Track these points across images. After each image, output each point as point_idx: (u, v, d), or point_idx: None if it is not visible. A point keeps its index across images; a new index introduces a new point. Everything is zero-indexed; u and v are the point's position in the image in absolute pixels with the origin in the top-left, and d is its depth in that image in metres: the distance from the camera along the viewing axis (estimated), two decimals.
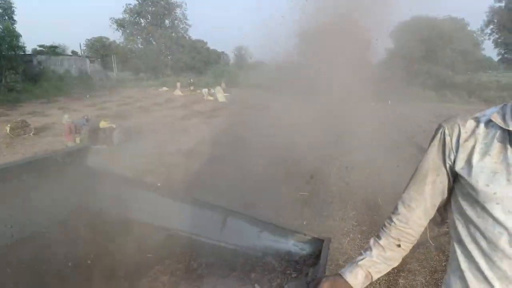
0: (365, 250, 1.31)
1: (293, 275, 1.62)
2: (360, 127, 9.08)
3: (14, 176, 1.77)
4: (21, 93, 19.04)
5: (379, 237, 1.28)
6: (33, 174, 1.86)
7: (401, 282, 3.29)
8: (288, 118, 12.95)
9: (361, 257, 1.29)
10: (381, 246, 1.25)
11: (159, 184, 2.08)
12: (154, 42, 41.82)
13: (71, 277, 1.72)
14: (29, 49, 25.92)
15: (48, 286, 1.71)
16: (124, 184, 2.07)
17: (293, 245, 1.77)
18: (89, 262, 1.81)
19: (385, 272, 1.26)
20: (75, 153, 2.04)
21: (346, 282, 1.24)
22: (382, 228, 1.30)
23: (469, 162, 1.06)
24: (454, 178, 1.14)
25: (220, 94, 19.50)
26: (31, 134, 9.87)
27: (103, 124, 8.96)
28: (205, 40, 46.47)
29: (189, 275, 1.72)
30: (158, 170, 7.41)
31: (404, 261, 3.50)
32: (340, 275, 1.28)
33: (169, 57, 42.82)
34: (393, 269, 3.28)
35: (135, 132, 11.07)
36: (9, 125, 9.87)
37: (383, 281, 3.30)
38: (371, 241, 1.30)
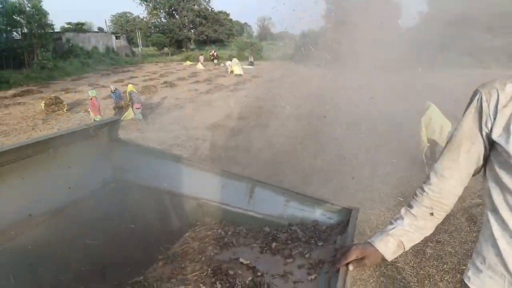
0: (396, 219, 1.30)
1: (318, 244, 1.63)
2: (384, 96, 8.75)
3: (52, 147, 1.86)
4: (52, 70, 19.69)
5: (410, 206, 1.25)
6: (68, 146, 1.95)
7: (429, 252, 3.27)
8: (314, 88, 12.68)
9: (392, 226, 1.27)
10: (413, 215, 1.23)
11: (186, 156, 2.12)
12: (176, 16, 41.44)
13: (107, 244, 1.82)
14: (57, 27, 26.47)
15: (85, 252, 1.83)
16: (155, 155, 2.13)
17: (320, 214, 1.77)
18: (123, 229, 1.91)
19: (418, 241, 1.25)
20: (107, 126, 2.10)
21: (377, 250, 1.24)
22: (413, 198, 1.27)
23: (507, 129, 1.00)
24: (491, 146, 1.08)
25: (237, 67, 19.11)
26: (64, 110, 10.28)
27: (130, 87, 9.27)
28: (227, 12, 45.55)
29: (216, 242, 1.77)
30: (185, 144, 7.58)
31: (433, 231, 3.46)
32: (370, 244, 1.27)
33: (192, 31, 42.44)
34: None
35: (161, 107, 11.26)
36: (43, 102, 10.31)
37: (410, 250, 3.28)
38: (402, 210, 1.28)
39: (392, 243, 1.24)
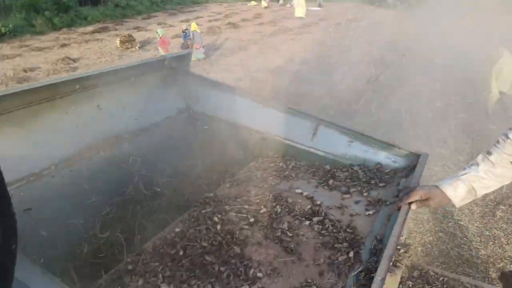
0: (470, 165, 1.25)
1: (380, 185, 1.64)
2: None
3: (133, 76, 2.03)
4: (125, 8, 20.44)
5: (489, 153, 1.19)
6: (147, 75, 2.11)
7: (499, 215, 3.09)
8: (386, 33, 11.63)
9: (464, 172, 1.23)
10: (491, 162, 1.17)
11: (253, 94, 2.18)
12: None
13: (182, 163, 2.02)
14: None
15: (162, 167, 2.06)
16: (223, 89, 2.22)
17: (385, 157, 1.76)
18: (195, 153, 2.09)
19: (493, 189, 1.20)
20: (180, 58, 2.21)
21: (443, 193, 1.22)
22: (494, 145, 1.20)
23: None
24: None
25: (299, 9, 17.68)
26: (136, 47, 10.83)
27: (194, 26, 9.44)
28: None
29: (277, 173, 1.87)
30: (247, 86, 7.65)
31: (507, 195, 3.21)
32: (437, 186, 1.25)
33: None
34: (491, 201, 3.06)
35: (225, 48, 11.30)
36: (119, 39, 10.92)
37: (477, 210, 3.14)
38: (479, 157, 1.22)
39: (462, 188, 1.21)
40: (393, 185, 1.61)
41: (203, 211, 1.54)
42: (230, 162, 2.04)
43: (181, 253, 1.29)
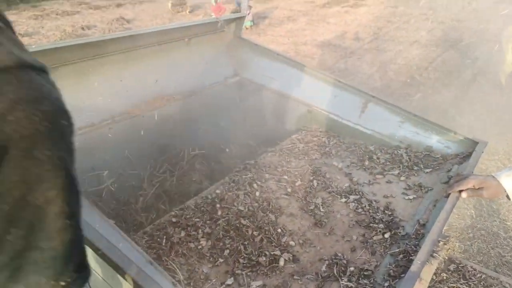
0: None
1: (425, 171, 1.57)
2: None
3: (187, 36, 2.05)
4: None
5: None
6: (200, 36, 2.12)
7: None
8: (452, 11, 10.69)
9: None
10: None
11: (304, 65, 2.11)
12: None
13: (228, 129, 2.06)
14: None
15: (206, 135, 2.11)
16: (274, 58, 2.18)
17: (437, 141, 1.66)
18: (241, 120, 2.11)
19: None
20: (233, 22, 2.19)
21: (500, 184, 1.15)
22: None
23: None
24: None
25: None
26: (187, 11, 10.89)
27: None
28: None
29: (319, 148, 1.84)
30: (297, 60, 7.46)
31: None
32: (494, 177, 1.18)
33: None
34: None
35: (274, 18, 11.02)
36: (170, 2, 11.02)
37: None
38: None
39: None
40: (440, 171, 1.53)
41: (243, 176, 1.57)
42: (274, 132, 2.04)
43: (219, 213, 1.35)
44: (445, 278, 2.06)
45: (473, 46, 7.37)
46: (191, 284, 1.08)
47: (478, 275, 2.10)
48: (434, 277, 2.01)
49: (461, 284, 1.98)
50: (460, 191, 1.22)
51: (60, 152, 0.36)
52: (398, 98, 5.36)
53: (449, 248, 2.55)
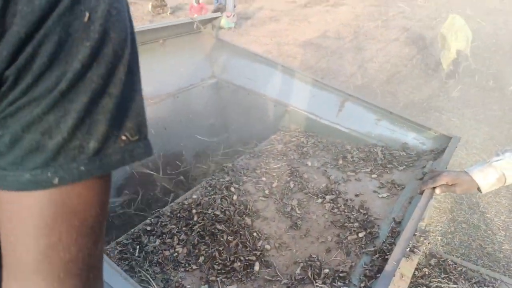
0: (504, 151, 1.17)
1: (399, 168, 1.58)
2: None
3: (161, 38, 2.01)
4: None
5: None
6: (176, 38, 2.08)
7: None
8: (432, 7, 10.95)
9: (498, 158, 1.16)
10: None
11: (282, 65, 2.11)
12: None
13: (205, 131, 2.03)
14: None
15: (182, 139, 2.07)
16: (251, 59, 2.17)
17: (413, 138, 1.68)
18: (218, 121, 2.08)
19: None
20: (209, 22, 2.16)
21: (473, 180, 1.17)
22: None
23: None
24: None
25: None
26: (168, 13, 10.76)
27: None
28: None
29: (297, 148, 1.83)
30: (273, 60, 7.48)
31: None
32: (466, 172, 1.20)
33: None
34: None
35: (256, 18, 11.03)
36: (151, 3, 10.87)
37: (506, 204, 2.99)
38: None
39: (493, 175, 1.15)
40: (415, 168, 1.54)
41: (221, 180, 1.55)
42: (253, 133, 2.03)
43: (195, 218, 1.32)
44: (427, 273, 2.08)
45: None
46: None
47: (459, 268, 2.13)
48: (416, 273, 2.03)
49: (442, 278, 2.00)
50: (434, 188, 1.23)
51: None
52: (379, 96, 5.42)
53: (429, 243, 2.59)
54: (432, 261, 2.19)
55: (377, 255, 1.10)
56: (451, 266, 2.14)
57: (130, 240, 1.23)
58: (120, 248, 1.18)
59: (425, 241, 1.43)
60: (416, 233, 1.24)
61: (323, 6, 13.00)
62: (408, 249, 1.23)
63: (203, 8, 8.71)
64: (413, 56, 7.20)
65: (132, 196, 1.66)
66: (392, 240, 1.15)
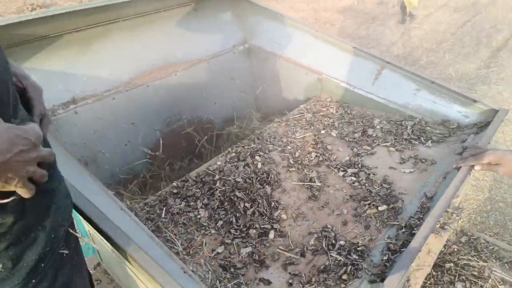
0: None
1: (428, 143, 1.47)
2: None
3: (189, 2, 1.96)
4: None
5: None
6: (203, 1, 2.03)
7: None
8: None
9: None
10: None
11: (315, 30, 1.99)
12: None
13: (235, 97, 2.00)
14: None
15: (212, 104, 2.06)
16: (284, 23, 2.07)
17: (456, 111, 1.55)
18: (248, 88, 2.04)
19: None
20: None
21: None
22: None
23: None
24: None
25: None
26: None
27: None
28: None
29: (326, 118, 1.76)
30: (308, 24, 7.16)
31: None
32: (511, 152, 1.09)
33: None
34: None
35: None
36: None
37: None
38: None
39: None
40: (454, 142, 1.43)
41: (246, 147, 1.54)
42: (283, 101, 1.98)
43: (217, 184, 1.33)
44: (455, 250, 2.00)
45: (507, 10, 6.81)
46: (190, 252, 1.08)
47: (491, 247, 2.03)
48: (444, 249, 1.96)
49: (471, 256, 1.92)
50: (473, 165, 1.14)
51: None
52: (421, 66, 5.10)
53: (462, 220, 2.48)
54: (463, 239, 2.10)
55: (403, 230, 1.06)
56: (482, 244, 2.05)
57: (157, 202, 1.27)
58: (147, 209, 1.23)
59: (457, 218, 1.36)
60: (448, 210, 1.17)
61: None
62: (439, 225, 1.17)
63: None
64: (464, 23, 6.61)
65: (161, 160, 1.71)
66: (421, 216, 1.09)
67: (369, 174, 1.36)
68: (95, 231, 0.94)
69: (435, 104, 1.60)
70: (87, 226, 1.12)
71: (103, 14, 1.60)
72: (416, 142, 1.50)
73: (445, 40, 6.08)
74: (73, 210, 0.92)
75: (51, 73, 1.49)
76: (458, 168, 1.15)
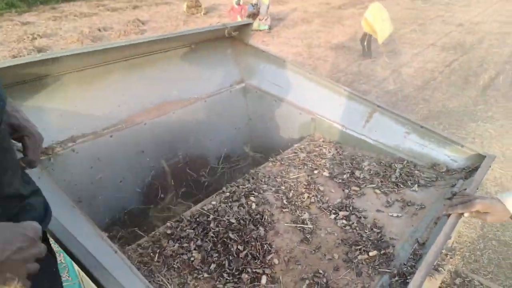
0: None
1: (417, 186, 1.51)
2: None
3: (193, 43, 2.05)
4: None
5: None
6: (206, 42, 2.12)
7: None
8: (470, 14, 10.44)
9: None
10: None
11: (309, 72, 2.08)
12: None
13: (230, 136, 2.04)
14: None
15: (209, 143, 2.10)
16: (280, 65, 2.16)
17: (444, 154, 1.60)
18: (243, 126, 2.08)
19: None
20: (241, 28, 2.17)
21: (506, 210, 1.09)
22: None
23: None
24: None
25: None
26: (201, 13, 10.96)
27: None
28: None
29: (319, 158, 1.80)
30: (305, 62, 7.42)
31: None
32: (499, 200, 1.12)
33: None
34: None
35: (288, 19, 10.98)
36: (186, 4, 11.11)
37: None
38: None
39: None
40: (443, 187, 1.47)
41: (241, 187, 1.56)
42: (278, 140, 2.02)
43: (211, 225, 1.34)
44: None
45: (493, 50, 7.15)
46: None
47: None
48: None
49: None
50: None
51: None
52: (412, 102, 5.24)
53: (455, 260, 2.47)
54: (457, 281, 2.09)
55: (396, 278, 1.07)
56: (477, 286, 2.03)
57: (151, 243, 1.26)
58: (140, 251, 1.22)
59: (451, 259, 1.36)
60: (442, 251, 1.19)
61: (358, 9, 12.71)
62: (432, 267, 1.17)
63: (243, 9, 8.74)
64: (451, 62, 6.89)
65: (156, 198, 1.71)
66: (414, 263, 1.10)
67: (360, 217, 1.38)
68: (86, 276, 0.93)
69: (424, 147, 1.66)
70: (77, 268, 1.10)
71: (104, 55, 1.66)
72: (402, 186, 1.54)
73: (434, 78, 6.31)
74: (64, 253, 0.92)
75: (50, 111, 1.52)
76: (448, 215, 1.17)
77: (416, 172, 1.61)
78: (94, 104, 1.67)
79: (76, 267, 1.06)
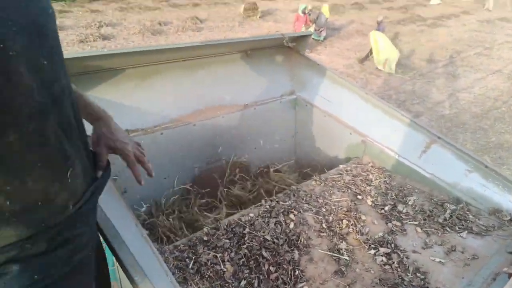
0: None
1: (482, 233, 1.37)
2: None
3: (250, 49, 2.05)
4: None
5: None
6: (262, 50, 2.11)
7: None
8: None
9: None
10: None
11: (365, 92, 1.99)
12: None
13: (272, 148, 2.01)
14: None
15: (252, 152, 2.08)
16: (334, 80, 2.10)
17: (509, 201, 1.45)
18: (289, 139, 2.04)
19: None
20: (299, 39, 2.14)
21: None
22: None
23: None
24: None
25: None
26: (257, 17, 11.08)
27: (324, 9, 9.12)
28: None
29: (365, 184, 1.70)
30: (356, 75, 7.22)
31: None
32: None
33: None
34: None
35: (344, 31, 10.77)
36: (243, 6, 11.30)
37: None
38: None
39: None
40: (506, 237, 1.33)
41: (281, 203, 1.52)
42: (323, 157, 1.96)
43: (246, 237, 1.31)
44: None
45: None
46: None
47: None
48: None
49: None
50: None
51: None
52: (468, 131, 4.89)
53: None
54: None
55: None
56: None
57: (187, 247, 1.26)
58: (177, 253, 1.23)
59: None
60: None
61: (418, 25, 12.18)
62: None
63: (308, 19, 8.68)
64: None
65: (197, 202, 1.72)
66: None
67: (402, 257, 1.28)
68: (122, 271, 0.94)
69: (486, 189, 1.51)
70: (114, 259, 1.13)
71: (162, 54, 1.71)
72: (449, 230, 1.40)
73: (496, 107, 5.86)
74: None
75: (108, 104, 1.58)
76: (510, 275, 1.05)
77: (471, 217, 1.46)
78: (148, 100, 1.72)
79: (113, 258, 1.08)
